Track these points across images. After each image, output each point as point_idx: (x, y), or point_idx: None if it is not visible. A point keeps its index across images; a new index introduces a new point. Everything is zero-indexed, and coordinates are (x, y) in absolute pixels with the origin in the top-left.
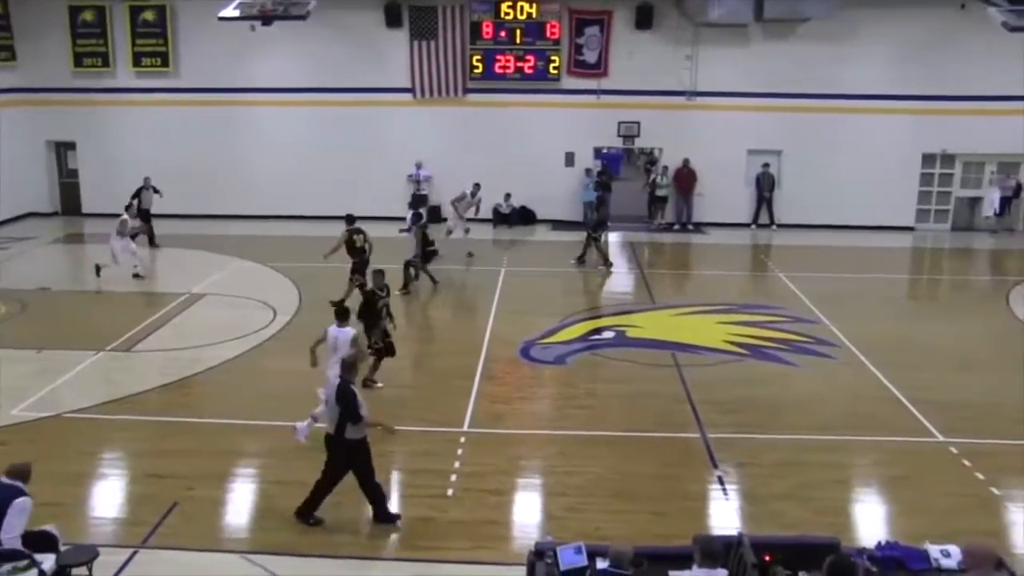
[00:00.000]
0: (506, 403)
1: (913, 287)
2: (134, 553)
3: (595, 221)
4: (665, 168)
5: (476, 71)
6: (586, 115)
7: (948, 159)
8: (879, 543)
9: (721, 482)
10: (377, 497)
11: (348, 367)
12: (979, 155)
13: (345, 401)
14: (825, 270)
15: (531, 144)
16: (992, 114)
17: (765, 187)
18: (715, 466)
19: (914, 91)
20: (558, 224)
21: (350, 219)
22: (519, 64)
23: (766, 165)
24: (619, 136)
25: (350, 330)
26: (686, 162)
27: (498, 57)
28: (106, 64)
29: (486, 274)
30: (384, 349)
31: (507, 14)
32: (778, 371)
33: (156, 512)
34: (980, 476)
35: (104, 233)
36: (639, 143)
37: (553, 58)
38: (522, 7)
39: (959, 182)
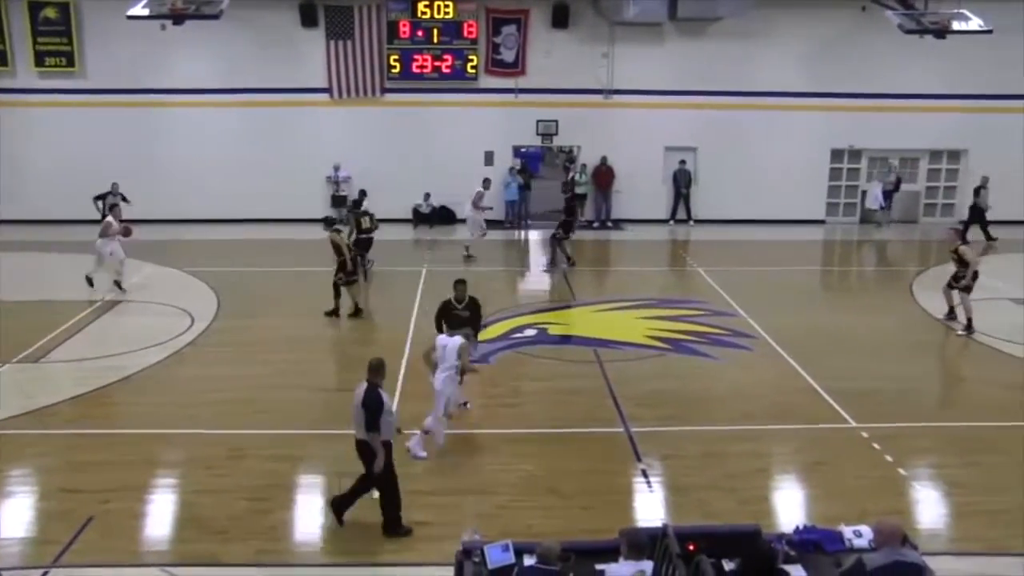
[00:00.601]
0: (431, 403)
1: (825, 279)
2: (44, 574)
3: (561, 222)
4: (584, 166)
5: (394, 71)
6: (504, 114)
7: (855, 154)
8: (797, 528)
9: (645, 475)
10: (351, 501)
11: (375, 370)
12: (884, 150)
13: (371, 406)
14: (741, 264)
15: (450, 143)
16: (896, 111)
17: (682, 183)
18: (639, 459)
19: (823, 88)
20: None
21: (329, 221)
22: (437, 64)
23: (683, 162)
24: (538, 135)
25: (459, 339)
26: (604, 160)
27: (416, 57)
28: (3, 63)
29: (407, 274)
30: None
31: (424, 13)
32: (698, 364)
33: (69, 529)
34: (888, 458)
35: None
36: (557, 141)
37: (471, 57)
38: (439, 6)
39: (865, 176)
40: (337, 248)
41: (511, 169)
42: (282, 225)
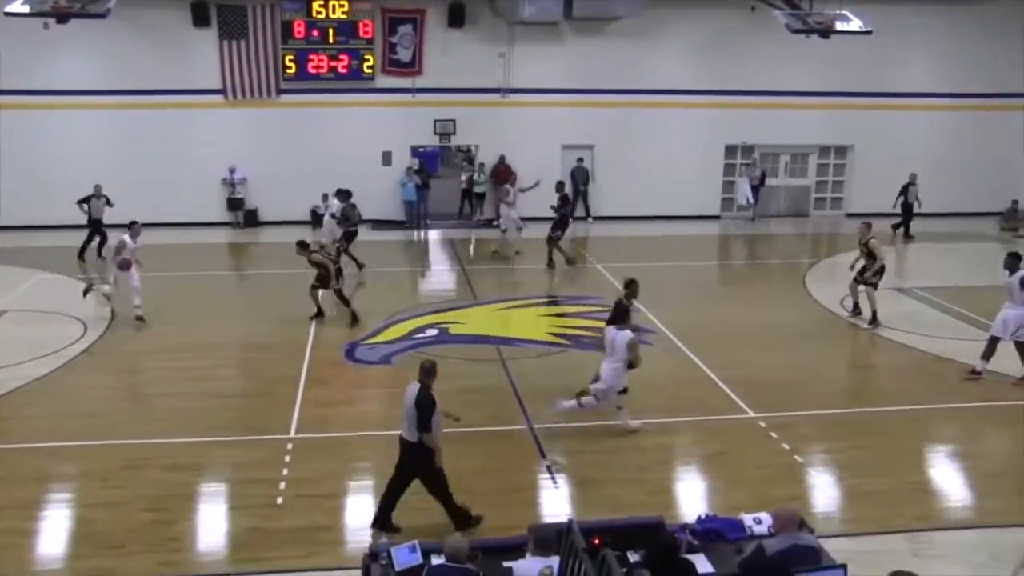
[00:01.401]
0: (333, 406)
1: (721, 273)
2: None
3: (556, 221)
4: (482, 165)
5: (289, 71)
6: (402, 114)
7: (748, 150)
8: (699, 517)
9: (550, 471)
10: (391, 504)
11: (427, 372)
12: (775, 146)
13: (424, 407)
14: (640, 260)
15: (348, 144)
16: (786, 108)
17: (580, 181)
18: (543, 456)
19: (716, 86)
20: (378, 224)
21: (303, 244)
22: (333, 64)
23: (580, 160)
24: (435, 134)
25: (628, 332)
26: (502, 159)
27: (311, 57)
28: None
29: (306, 276)
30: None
31: (319, 13)
32: (600, 360)
33: None
34: (786, 446)
35: None
36: (456, 141)
37: (367, 57)
38: (334, 6)
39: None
40: (321, 266)
41: (408, 169)
42: (177, 229)
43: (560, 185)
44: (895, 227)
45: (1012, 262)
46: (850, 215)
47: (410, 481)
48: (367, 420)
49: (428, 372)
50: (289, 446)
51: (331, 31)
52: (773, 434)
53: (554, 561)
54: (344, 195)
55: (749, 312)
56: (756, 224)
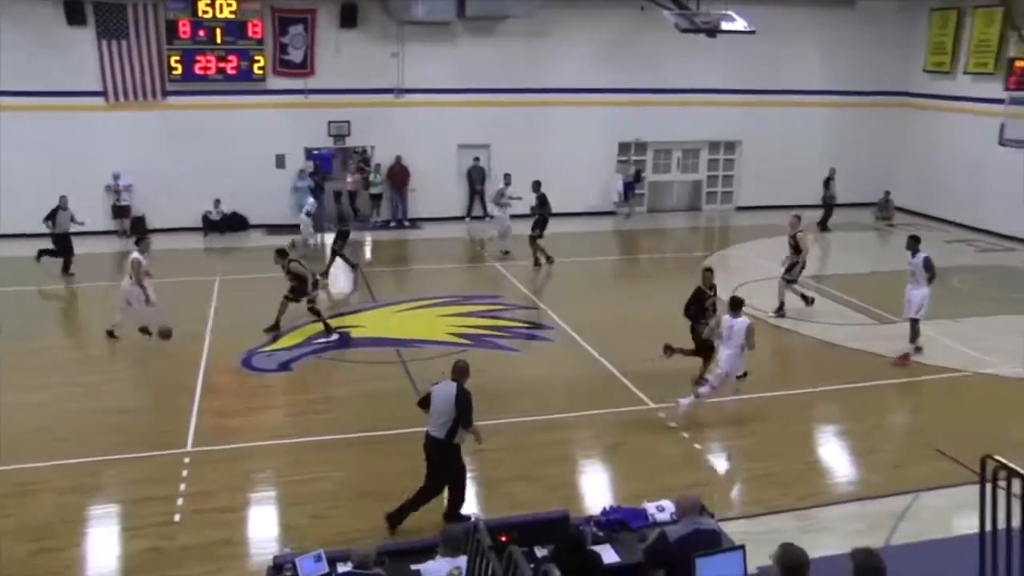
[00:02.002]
0: (232, 417)
1: (618, 267)
2: None
3: (536, 221)
4: (378, 166)
5: (175, 72)
6: (295, 115)
7: (641, 147)
8: (603, 509)
9: None
10: (418, 503)
11: (462, 371)
12: (668, 143)
13: (465, 405)
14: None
15: (239, 147)
16: (677, 105)
17: (476, 180)
18: None
19: (609, 84)
20: (273, 228)
21: (283, 252)
22: (221, 65)
23: (476, 159)
24: (330, 135)
25: (745, 320)
26: (398, 159)
27: (198, 58)
28: None
29: (199, 284)
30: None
31: (205, 13)
32: (501, 358)
33: None
34: (684, 435)
35: None
36: (350, 142)
37: (257, 58)
38: (221, 5)
39: (651, 168)
40: (299, 276)
41: (301, 172)
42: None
43: (537, 185)
44: (821, 223)
45: (913, 244)
46: (740, 208)
47: (444, 485)
48: (267, 429)
49: (463, 371)
50: (186, 460)
51: (219, 31)
52: (672, 423)
53: (462, 561)
54: (334, 195)
55: (646, 306)
56: (633, 219)
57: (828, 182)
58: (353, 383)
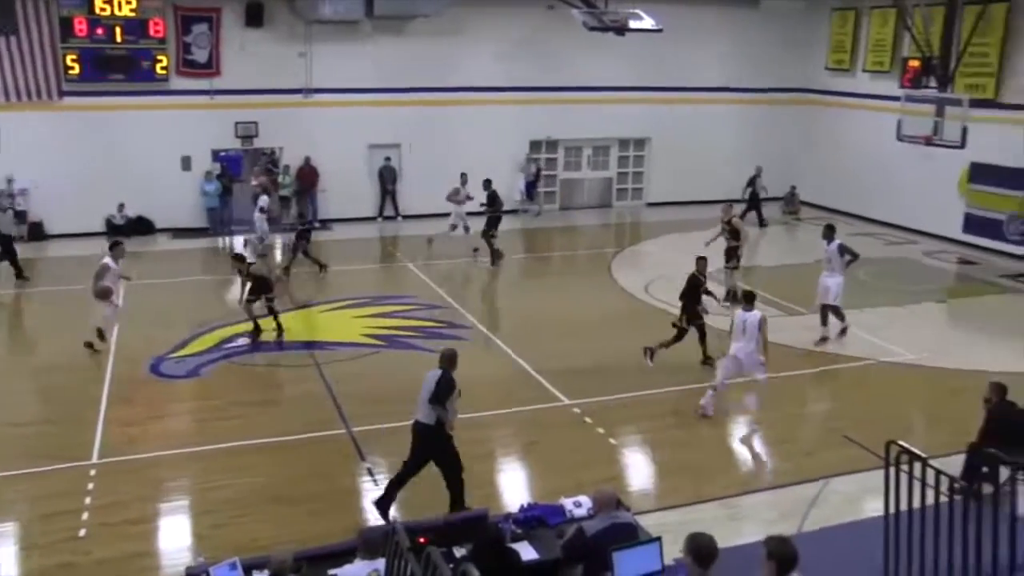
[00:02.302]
0: (140, 425)
1: (531, 265)
2: None
3: (489, 217)
4: (287, 167)
5: (72, 72)
6: (201, 116)
7: (552, 145)
8: (521, 506)
9: (371, 473)
10: (399, 487)
11: (450, 359)
12: (578, 140)
13: (443, 387)
14: (451, 256)
15: (143, 149)
16: (587, 103)
17: (388, 180)
18: (363, 459)
19: (519, 83)
20: (180, 232)
21: (239, 257)
22: (122, 64)
23: (388, 159)
24: (237, 137)
25: (758, 313)
26: (307, 160)
27: (97, 57)
28: None
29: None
30: (682, 333)
31: (103, 10)
32: (416, 358)
33: None
34: (600, 430)
35: None
36: (258, 143)
37: (160, 57)
38: (120, 3)
39: (562, 165)
40: (260, 278)
41: (207, 173)
42: None
43: (487, 183)
44: (741, 216)
45: (828, 233)
46: (650, 205)
47: (424, 464)
48: (177, 437)
49: (451, 359)
50: (92, 472)
51: (118, 29)
52: (587, 419)
53: (381, 564)
54: (294, 195)
55: (560, 302)
56: (545, 216)
57: (754, 179)
58: (266, 387)
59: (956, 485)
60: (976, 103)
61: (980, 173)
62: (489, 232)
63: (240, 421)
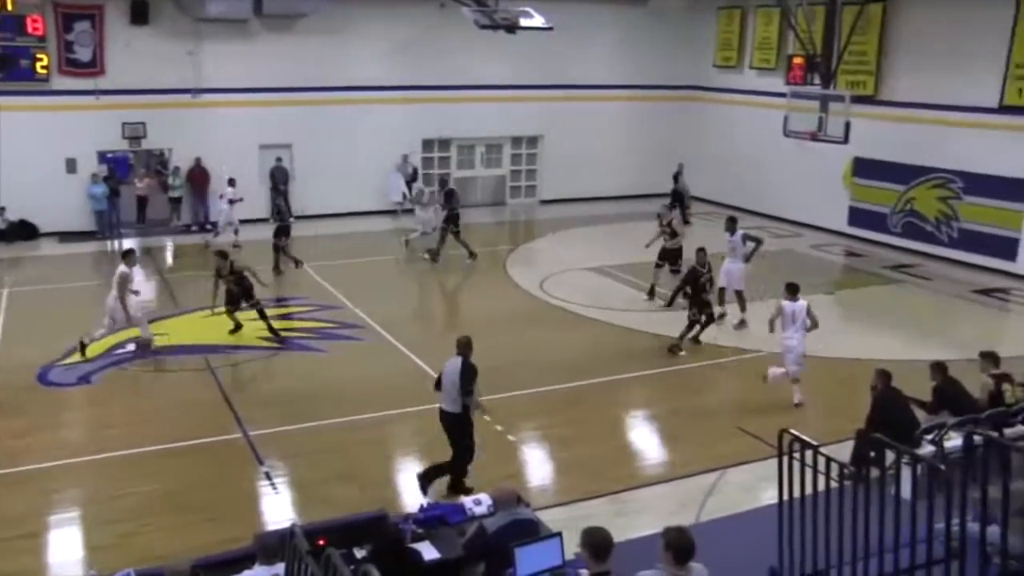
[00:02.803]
0: (27, 436)
1: (425, 263)
2: None
3: (447, 215)
4: (176, 168)
5: None
6: (86, 117)
7: (445, 143)
8: (421, 506)
9: (269, 477)
10: (457, 469)
11: (467, 344)
12: (471, 138)
13: (467, 375)
14: (343, 257)
15: (24, 151)
16: (479, 101)
17: (279, 181)
18: (261, 463)
19: (412, 82)
20: (66, 236)
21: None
22: None
23: (279, 159)
24: (124, 138)
25: (803, 302)
26: (198, 161)
27: None
28: None
29: None
30: (706, 321)
31: None
32: (312, 359)
33: None
34: (499, 428)
35: None
36: (147, 144)
37: (40, 56)
38: None
39: (456, 163)
40: (242, 277)
41: (94, 176)
42: None
43: (443, 183)
44: (682, 214)
45: (731, 224)
46: (544, 202)
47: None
48: (69, 447)
49: (468, 345)
50: None
51: None
52: (486, 417)
53: (280, 568)
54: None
55: (456, 300)
56: (438, 214)
57: (677, 176)
58: (160, 393)
59: (845, 471)
60: (857, 99)
61: (863, 167)
62: (453, 229)
63: (133, 429)
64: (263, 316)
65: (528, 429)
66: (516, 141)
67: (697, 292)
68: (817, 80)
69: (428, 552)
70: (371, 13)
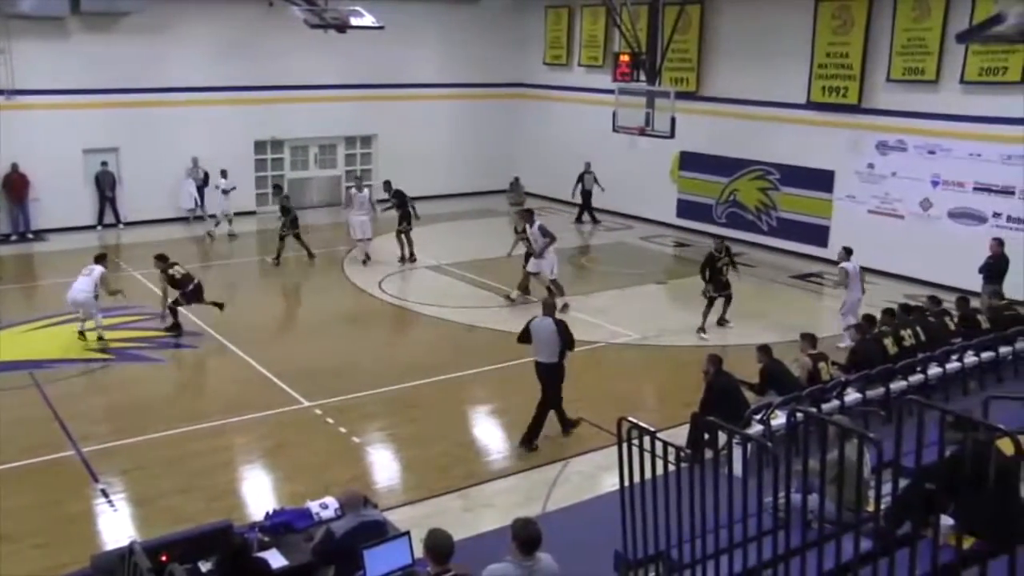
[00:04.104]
0: None
1: (264, 267)
2: None
3: (400, 215)
4: None
5: None
6: None
7: (278, 145)
8: (267, 513)
9: (106, 495)
10: (560, 413)
11: (552, 306)
12: (304, 139)
13: (568, 333)
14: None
15: None
16: (312, 101)
17: (106, 186)
18: (96, 480)
19: (241, 82)
20: None
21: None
22: None
23: (104, 163)
24: None
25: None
26: (15, 167)
27: None
28: None
29: None
30: (725, 302)
31: None
32: (147, 370)
33: None
34: (342, 430)
35: None
36: None
37: None
38: None
39: (289, 165)
40: (187, 278)
41: None
42: None
43: (387, 184)
44: (578, 218)
45: (529, 216)
46: (379, 201)
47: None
48: None
49: (552, 306)
50: None
51: None
52: (329, 420)
53: None
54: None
55: (294, 304)
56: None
57: (583, 176)
58: None
59: (682, 454)
60: (681, 95)
61: (689, 161)
62: (403, 228)
63: None
64: (173, 313)
65: (372, 430)
66: (350, 141)
67: (715, 274)
68: (643, 77)
69: (275, 560)
70: (198, 12)
